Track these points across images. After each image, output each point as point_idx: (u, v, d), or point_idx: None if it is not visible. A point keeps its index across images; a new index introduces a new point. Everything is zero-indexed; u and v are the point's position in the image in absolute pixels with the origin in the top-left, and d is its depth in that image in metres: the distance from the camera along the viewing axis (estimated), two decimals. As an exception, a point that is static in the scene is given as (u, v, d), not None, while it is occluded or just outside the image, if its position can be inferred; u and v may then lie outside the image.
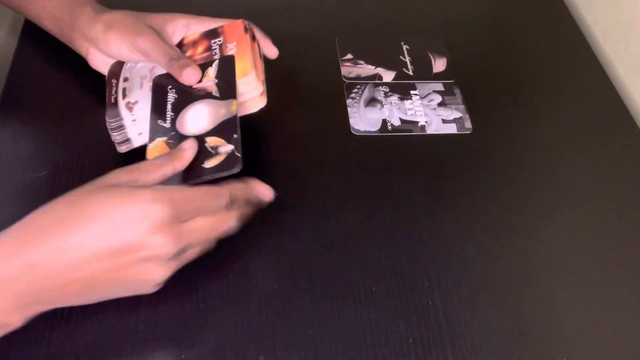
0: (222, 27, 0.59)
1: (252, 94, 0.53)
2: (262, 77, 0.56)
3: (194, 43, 0.58)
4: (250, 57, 0.54)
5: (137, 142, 0.54)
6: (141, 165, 0.43)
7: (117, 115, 0.53)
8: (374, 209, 0.56)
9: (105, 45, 0.55)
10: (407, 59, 0.71)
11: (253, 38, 0.58)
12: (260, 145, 0.61)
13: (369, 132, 0.63)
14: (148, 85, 0.54)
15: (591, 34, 0.78)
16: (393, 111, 0.65)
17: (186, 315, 0.48)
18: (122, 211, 0.38)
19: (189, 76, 0.52)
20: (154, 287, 0.42)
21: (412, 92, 0.67)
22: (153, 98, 0.53)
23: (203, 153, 0.47)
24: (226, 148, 0.47)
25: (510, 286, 0.52)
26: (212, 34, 0.58)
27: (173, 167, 0.44)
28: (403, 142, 0.62)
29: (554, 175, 0.61)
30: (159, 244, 0.38)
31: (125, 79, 0.56)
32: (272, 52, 0.59)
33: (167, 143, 0.49)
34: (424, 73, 0.70)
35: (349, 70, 0.69)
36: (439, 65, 0.71)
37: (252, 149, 0.60)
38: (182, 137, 0.49)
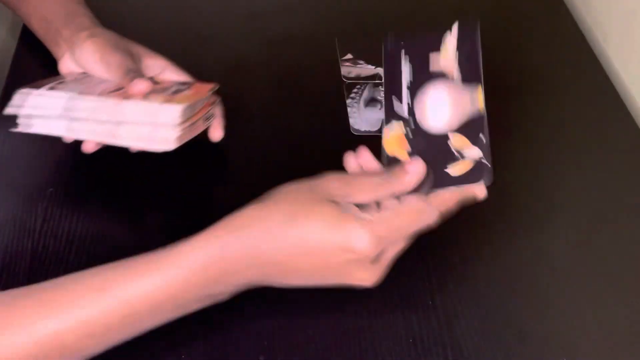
0: (193, 82, 0.58)
1: (167, 128, 0.49)
2: (188, 125, 0.51)
3: (161, 82, 0.57)
4: (192, 103, 0.52)
5: (36, 125, 0.51)
6: (358, 180, 0.44)
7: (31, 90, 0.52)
8: (374, 209, 0.56)
9: (79, 50, 0.56)
10: (407, 59, 0.71)
11: (211, 103, 0.57)
12: (261, 145, 0.61)
13: (369, 132, 0.63)
14: (81, 91, 0.53)
15: (591, 34, 0.78)
16: (393, 111, 0.65)
17: (186, 315, 0.47)
18: (330, 237, 0.41)
19: (136, 84, 0.52)
20: (369, 285, 0.43)
21: (412, 92, 0.67)
22: (386, 69, 0.44)
23: (446, 154, 0.41)
24: (472, 153, 0.41)
25: (510, 286, 0.52)
26: (181, 83, 0.57)
27: (392, 192, 0.42)
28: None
29: (553, 175, 0.61)
30: (361, 249, 0.41)
31: (73, 80, 0.56)
32: (216, 134, 0.57)
33: (407, 137, 0.43)
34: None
35: (349, 70, 0.69)
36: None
37: (253, 148, 0.60)
38: (424, 136, 0.42)
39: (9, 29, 0.77)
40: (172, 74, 0.58)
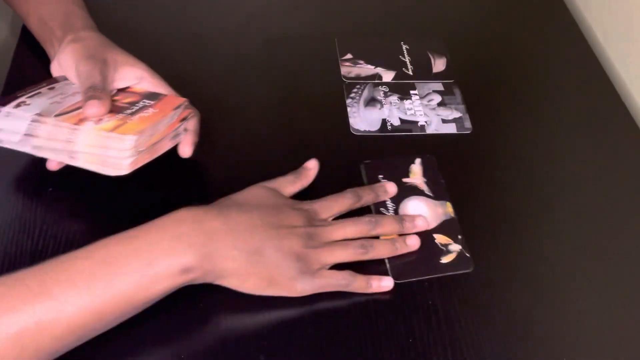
0: (164, 96, 0.56)
1: (118, 155, 0.50)
2: (145, 149, 0.51)
3: (132, 94, 0.56)
4: (151, 126, 0.52)
5: (3, 140, 0.52)
6: (279, 180, 0.54)
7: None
8: (374, 208, 0.56)
9: (62, 55, 0.56)
10: (407, 59, 0.71)
11: (181, 120, 0.55)
12: (261, 144, 0.61)
13: (369, 132, 0.63)
14: (55, 101, 0.54)
15: (591, 34, 0.78)
16: (393, 111, 0.65)
17: (186, 315, 0.47)
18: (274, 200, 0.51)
19: (90, 106, 0.51)
20: (298, 273, 0.48)
21: (411, 92, 0.67)
22: (369, 184, 0.56)
23: (436, 248, 0.53)
24: (455, 247, 0.53)
25: (510, 286, 0.52)
26: (152, 95, 0.56)
27: (301, 185, 0.55)
28: (403, 142, 0.62)
29: (553, 175, 0.61)
30: (294, 216, 0.49)
31: (51, 88, 0.56)
32: (185, 150, 0.55)
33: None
34: (424, 73, 0.70)
35: (348, 70, 0.69)
36: (439, 65, 0.71)
37: (253, 148, 0.60)
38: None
39: (9, 29, 0.77)
40: (148, 85, 0.57)
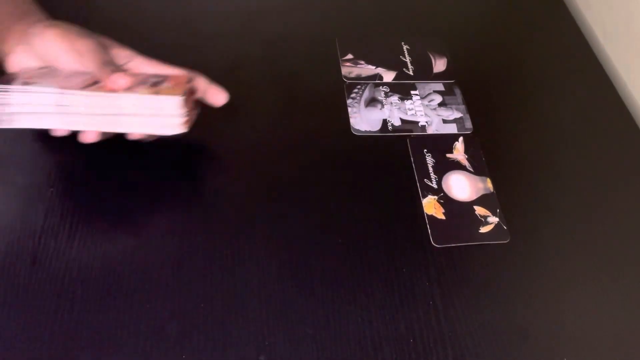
0: (166, 76, 0.56)
1: (174, 116, 0.52)
2: (191, 111, 0.54)
3: (134, 74, 0.55)
4: (183, 90, 0.53)
5: (22, 120, 0.51)
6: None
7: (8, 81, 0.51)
8: (375, 208, 0.56)
9: (40, 40, 0.53)
10: (407, 59, 0.71)
11: (192, 92, 0.56)
12: (261, 144, 0.61)
13: (369, 132, 0.63)
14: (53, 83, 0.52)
15: (591, 34, 0.78)
16: (393, 111, 0.65)
17: (186, 315, 0.48)
18: None
19: (116, 80, 0.51)
20: None
21: (412, 92, 0.67)
22: (415, 160, 0.60)
23: (475, 219, 0.56)
24: (493, 219, 0.56)
25: (510, 286, 0.52)
26: (154, 75, 0.56)
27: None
28: (403, 142, 0.62)
29: (553, 175, 0.61)
30: None
31: (43, 71, 0.54)
32: (220, 97, 0.58)
33: (438, 201, 0.57)
34: (424, 73, 0.70)
35: (349, 70, 0.69)
36: (439, 65, 0.71)
37: (253, 148, 0.60)
38: (450, 199, 0.57)
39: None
40: (139, 63, 0.56)
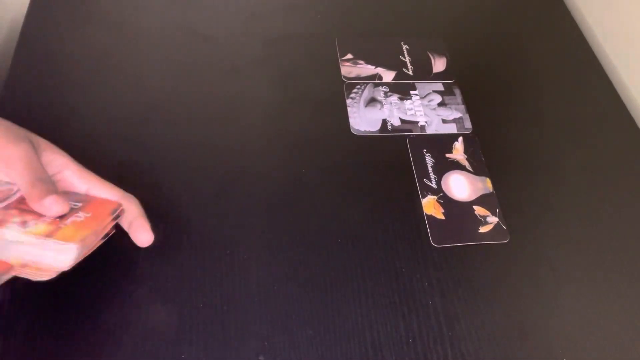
0: (91, 197, 0.46)
1: (56, 262, 0.40)
2: (92, 248, 0.43)
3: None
4: (90, 234, 0.42)
5: None
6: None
7: None
8: (374, 208, 0.56)
9: None
10: (407, 59, 0.71)
11: (115, 218, 0.45)
12: (261, 144, 0.61)
13: (369, 132, 0.63)
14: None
15: (591, 34, 0.78)
16: (393, 111, 0.65)
17: (186, 315, 0.48)
18: None
19: (50, 205, 0.41)
20: None
21: (412, 92, 0.67)
22: (414, 160, 0.60)
23: (474, 218, 0.56)
24: (492, 219, 0.56)
25: (510, 286, 0.52)
26: (75, 195, 0.46)
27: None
28: (403, 142, 0.62)
29: (553, 175, 0.61)
30: None
31: None
32: (144, 237, 0.46)
33: (437, 201, 0.57)
34: (424, 73, 0.70)
35: (349, 70, 0.69)
36: (439, 65, 0.71)
37: (252, 148, 0.60)
38: (450, 199, 0.57)
39: (8, 30, 0.77)
40: (72, 175, 0.45)
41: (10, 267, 0.40)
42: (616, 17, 0.75)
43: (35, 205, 0.41)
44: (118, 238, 0.50)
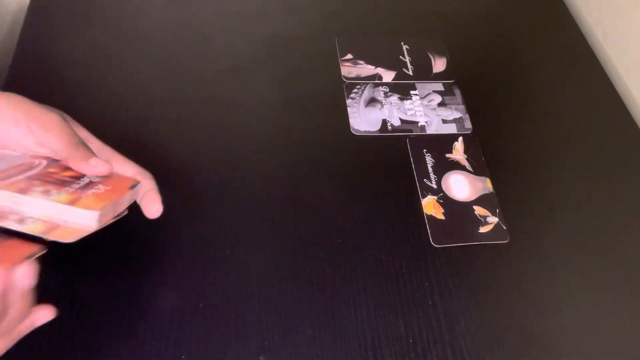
0: (112, 174, 0.46)
1: (79, 227, 0.41)
2: (107, 221, 0.43)
3: (66, 166, 0.44)
4: (110, 204, 0.43)
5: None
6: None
7: None
8: (374, 208, 0.56)
9: None
10: (407, 59, 0.71)
11: (132, 187, 0.46)
12: (260, 144, 0.61)
13: (369, 132, 0.63)
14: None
15: (591, 34, 0.78)
16: (393, 111, 0.65)
17: (186, 315, 0.48)
18: None
19: (96, 165, 0.42)
20: None
21: (412, 92, 0.67)
22: (414, 160, 0.59)
23: (474, 218, 0.56)
24: (492, 219, 0.56)
25: (510, 286, 0.52)
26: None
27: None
28: (403, 142, 0.62)
29: (553, 175, 0.61)
30: None
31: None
32: (154, 208, 0.46)
33: (437, 201, 0.57)
34: (424, 73, 0.70)
35: (349, 70, 0.69)
36: (439, 65, 0.71)
37: (252, 148, 0.60)
38: (450, 199, 0.57)
39: (8, 30, 0.77)
40: (97, 146, 0.46)
41: (35, 250, 0.41)
42: (616, 17, 0.75)
43: (80, 166, 0.42)
44: (118, 238, 0.50)
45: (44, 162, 0.44)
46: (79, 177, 0.44)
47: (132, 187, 0.46)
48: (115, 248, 0.51)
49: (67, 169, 0.44)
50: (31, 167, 0.43)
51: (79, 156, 0.43)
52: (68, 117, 0.45)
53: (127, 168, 0.47)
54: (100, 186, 0.44)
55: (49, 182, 0.42)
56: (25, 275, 0.38)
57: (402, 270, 0.52)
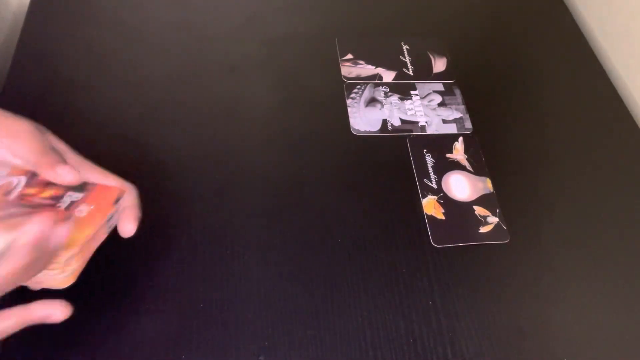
0: (94, 186, 0.44)
1: (55, 271, 0.39)
2: (87, 256, 0.42)
3: (46, 184, 0.42)
4: (92, 231, 0.41)
5: None
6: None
7: None
8: (375, 208, 0.56)
9: None
10: (407, 59, 0.71)
11: (117, 201, 0.44)
12: (260, 144, 0.61)
13: (369, 132, 0.63)
14: None
15: (591, 34, 0.78)
16: (393, 111, 0.65)
17: (186, 315, 0.48)
18: None
19: (63, 173, 0.40)
20: None
21: (412, 92, 0.67)
22: (414, 160, 0.60)
23: (474, 219, 0.56)
24: (492, 219, 0.56)
25: (510, 286, 0.52)
26: (77, 186, 0.43)
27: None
28: (403, 142, 0.62)
29: (553, 175, 0.61)
30: None
31: None
32: (128, 227, 0.44)
33: (437, 202, 0.57)
34: (424, 73, 0.70)
35: (349, 70, 0.69)
36: (439, 65, 0.71)
37: (252, 148, 0.60)
38: (450, 199, 0.57)
39: (8, 30, 0.77)
40: (74, 158, 0.44)
41: (118, 192, 0.41)
42: (616, 17, 0.75)
43: (48, 173, 0.40)
44: (118, 238, 0.50)
45: (23, 180, 0.41)
46: (60, 195, 0.42)
47: (117, 200, 0.43)
48: (115, 247, 0.51)
49: (47, 184, 0.42)
50: (8, 191, 0.41)
51: (46, 163, 0.41)
52: (44, 129, 0.43)
53: (108, 182, 0.45)
54: (83, 207, 0.42)
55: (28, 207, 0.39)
56: (63, 234, 0.38)
57: (402, 270, 0.52)
